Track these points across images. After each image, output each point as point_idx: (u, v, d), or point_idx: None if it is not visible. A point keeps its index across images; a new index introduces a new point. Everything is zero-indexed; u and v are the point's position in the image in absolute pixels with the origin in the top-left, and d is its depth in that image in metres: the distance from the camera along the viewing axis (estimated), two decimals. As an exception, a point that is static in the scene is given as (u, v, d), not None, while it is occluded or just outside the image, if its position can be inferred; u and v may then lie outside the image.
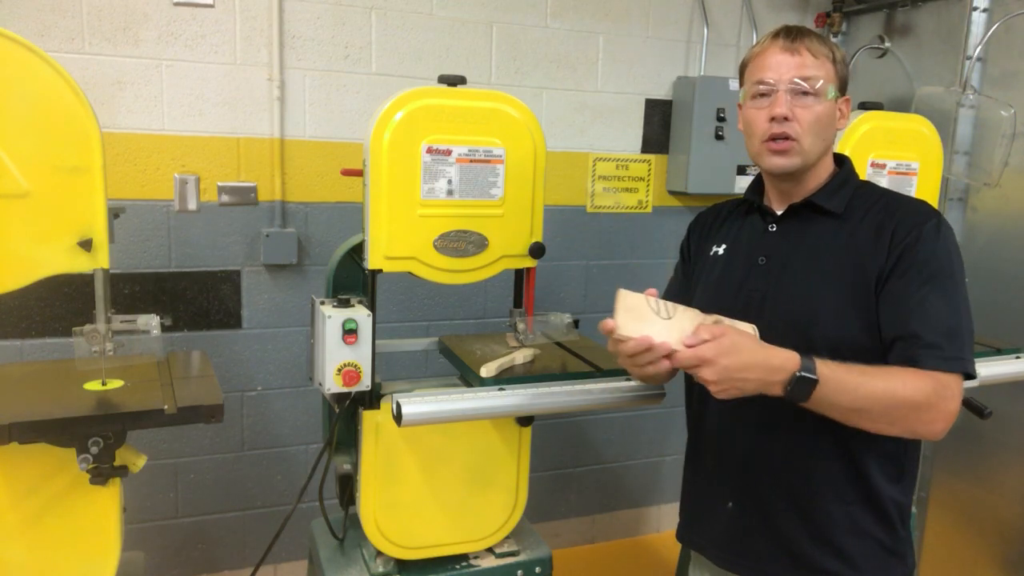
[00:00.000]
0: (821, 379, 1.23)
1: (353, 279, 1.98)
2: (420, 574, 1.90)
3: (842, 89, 1.43)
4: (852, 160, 1.84)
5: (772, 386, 1.25)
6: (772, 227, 1.49)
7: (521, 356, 1.88)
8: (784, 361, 1.24)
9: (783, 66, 1.38)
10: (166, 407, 1.53)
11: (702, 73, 3.14)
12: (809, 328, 1.37)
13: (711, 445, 1.54)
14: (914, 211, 1.37)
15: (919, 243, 1.32)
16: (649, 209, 3.23)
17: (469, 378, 1.84)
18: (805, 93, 1.37)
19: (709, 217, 1.65)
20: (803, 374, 1.23)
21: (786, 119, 1.37)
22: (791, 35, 1.40)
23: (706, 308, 1.35)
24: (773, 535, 1.44)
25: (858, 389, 1.25)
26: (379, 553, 1.90)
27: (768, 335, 1.30)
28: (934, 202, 2.23)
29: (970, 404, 1.98)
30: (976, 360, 2.07)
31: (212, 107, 2.56)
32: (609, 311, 1.34)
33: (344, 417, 1.84)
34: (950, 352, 1.28)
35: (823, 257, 1.41)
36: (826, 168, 1.46)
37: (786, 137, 1.38)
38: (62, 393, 1.63)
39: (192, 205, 2.58)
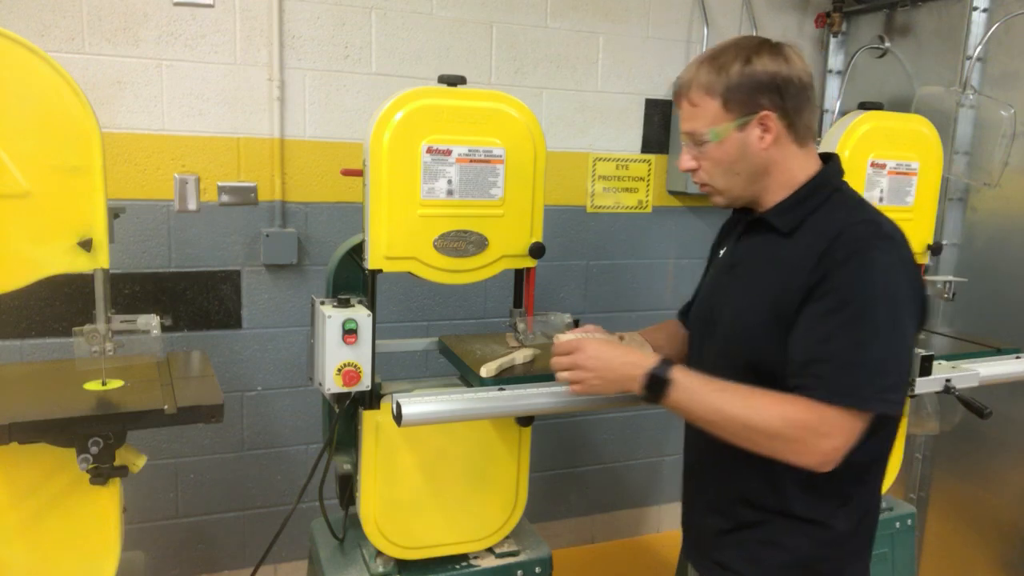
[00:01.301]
0: (674, 383, 1.32)
1: (353, 279, 1.98)
2: (420, 574, 1.90)
3: (748, 109, 1.33)
4: (853, 160, 1.82)
5: (632, 382, 1.36)
6: (741, 237, 1.49)
7: (521, 356, 1.88)
8: (642, 359, 1.37)
9: (679, 120, 1.44)
10: (166, 407, 1.53)
11: (702, 73, 3.14)
12: (738, 344, 1.39)
13: (687, 446, 1.59)
14: (854, 237, 1.28)
15: (841, 269, 1.25)
16: (649, 209, 3.23)
17: (469, 378, 1.84)
18: (700, 142, 1.39)
19: (733, 217, 1.63)
20: (655, 373, 1.33)
21: (695, 170, 1.43)
22: (677, 85, 1.43)
23: (693, 312, 1.55)
24: (709, 534, 1.48)
25: (711, 403, 1.30)
26: (379, 553, 1.90)
27: (715, 347, 1.44)
28: (934, 202, 2.22)
29: (970, 404, 1.98)
30: (976, 360, 2.11)
31: (212, 107, 2.56)
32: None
33: (344, 417, 1.84)
34: (840, 385, 1.23)
35: (763, 275, 1.39)
36: (783, 185, 1.39)
37: (703, 183, 1.44)
38: (62, 393, 1.63)
39: (192, 205, 2.58)
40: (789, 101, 1.34)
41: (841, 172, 1.45)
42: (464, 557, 1.96)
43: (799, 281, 1.29)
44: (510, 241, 1.86)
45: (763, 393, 1.28)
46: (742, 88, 1.33)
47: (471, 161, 1.77)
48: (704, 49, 3.11)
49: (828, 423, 1.23)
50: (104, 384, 1.66)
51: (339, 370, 1.68)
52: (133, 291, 2.57)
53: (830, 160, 1.45)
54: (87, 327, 1.60)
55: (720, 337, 1.45)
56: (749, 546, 1.41)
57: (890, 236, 1.29)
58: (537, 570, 1.97)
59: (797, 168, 1.39)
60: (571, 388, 1.44)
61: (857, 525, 1.39)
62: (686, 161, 1.43)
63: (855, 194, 1.44)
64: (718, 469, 1.45)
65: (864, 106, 2.13)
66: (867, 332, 1.23)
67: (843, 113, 3.05)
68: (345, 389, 1.70)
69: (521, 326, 1.96)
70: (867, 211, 1.36)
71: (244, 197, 2.64)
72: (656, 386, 1.34)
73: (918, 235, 2.21)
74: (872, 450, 1.35)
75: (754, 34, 3.21)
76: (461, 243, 1.80)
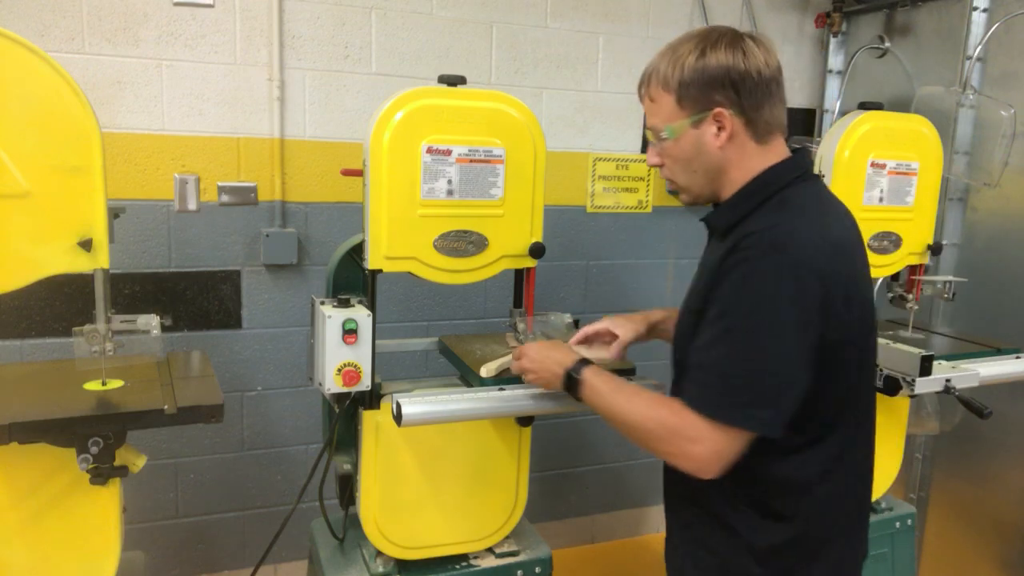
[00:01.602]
0: (583, 382, 1.42)
1: (353, 279, 1.98)
2: (420, 574, 1.90)
3: (701, 106, 1.31)
4: (853, 160, 1.77)
5: (557, 379, 1.48)
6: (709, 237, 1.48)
7: (521, 356, 1.88)
8: (564, 359, 1.48)
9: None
10: (166, 407, 1.53)
11: (702, 73, 3.14)
12: (677, 343, 1.42)
13: None
14: (747, 245, 1.24)
15: (727, 278, 1.24)
16: (649, 209, 3.23)
17: (469, 378, 1.84)
18: (660, 139, 1.38)
19: None
20: (570, 372, 1.44)
21: (660, 166, 1.42)
22: (640, 78, 1.40)
23: None
24: (669, 529, 1.53)
25: (608, 402, 1.38)
26: (379, 553, 1.90)
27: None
28: (934, 202, 2.22)
29: (970, 404, 1.98)
30: (976, 360, 2.11)
31: (212, 107, 2.56)
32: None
33: (344, 417, 1.84)
34: (705, 394, 1.24)
35: (698, 277, 1.40)
36: (735, 184, 1.36)
37: (667, 179, 1.43)
38: (62, 393, 1.63)
39: (192, 205, 2.58)
40: (745, 97, 1.29)
41: (799, 169, 1.36)
42: (464, 557, 1.96)
43: (706, 284, 1.29)
44: (510, 241, 1.86)
45: (648, 395, 1.34)
46: (695, 84, 1.30)
47: (471, 161, 1.77)
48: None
49: (694, 429, 1.23)
50: (104, 384, 1.66)
51: (339, 370, 1.68)
52: (133, 291, 2.57)
53: (795, 155, 1.38)
54: (87, 327, 1.60)
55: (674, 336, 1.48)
56: (689, 544, 1.43)
57: (780, 246, 1.22)
58: (537, 570, 1.97)
59: (756, 166, 1.34)
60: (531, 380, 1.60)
61: (784, 545, 1.33)
62: (651, 157, 1.42)
63: (805, 193, 1.34)
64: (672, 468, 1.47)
65: (864, 106, 2.13)
66: (737, 345, 1.22)
67: (843, 113, 3.06)
68: (345, 389, 1.70)
69: (521, 326, 1.96)
70: (786, 216, 1.28)
71: (244, 197, 2.64)
72: (571, 384, 1.44)
73: (918, 235, 2.21)
74: (800, 467, 1.31)
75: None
76: (461, 243, 1.80)
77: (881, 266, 2.18)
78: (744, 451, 1.25)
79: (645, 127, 1.43)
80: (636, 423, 1.31)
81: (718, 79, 1.29)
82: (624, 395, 1.36)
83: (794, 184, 1.33)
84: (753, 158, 1.34)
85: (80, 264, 1.56)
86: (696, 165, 1.35)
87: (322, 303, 1.76)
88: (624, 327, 1.74)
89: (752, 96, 1.30)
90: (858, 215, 2.09)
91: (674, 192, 1.48)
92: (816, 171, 2.10)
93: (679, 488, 1.45)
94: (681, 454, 1.25)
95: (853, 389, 1.34)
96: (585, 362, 1.45)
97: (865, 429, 1.42)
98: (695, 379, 1.27)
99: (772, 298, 1.20)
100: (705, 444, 1.22)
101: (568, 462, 3.33)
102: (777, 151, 1.36)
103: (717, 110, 1.30)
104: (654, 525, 3.54)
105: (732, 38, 1.31)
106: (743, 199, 1.34)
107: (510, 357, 1.85)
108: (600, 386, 1.40)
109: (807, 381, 1.23)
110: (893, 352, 1.99)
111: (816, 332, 1.22)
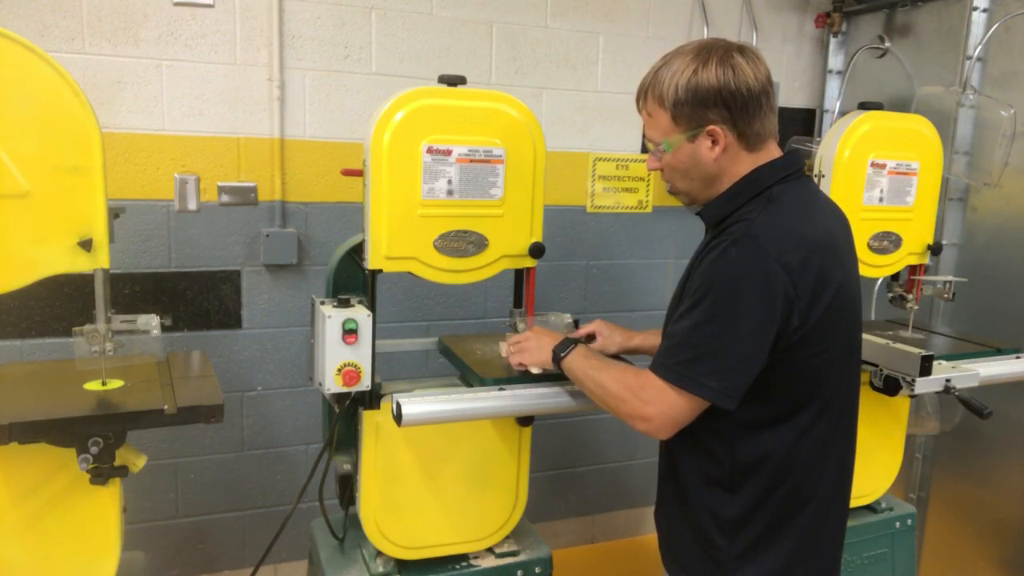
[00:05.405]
0: (565, 359, 1.59)
1: (353, 279, 1.98)
2: (420, 574, 1.90)
3: (695, 123, 1.39)
4: (853, 160, 1.78)
5: (548, 348, 1.65)
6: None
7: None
8: (553, 341, 1.65)
9: None
10: (166, 407, 1.53)
11: (702, 73, 3.14)
12: (664, 329, 1.49)
13: None
14: (730, 233, 1.34)
15: (703, 263, 1.36)
16: (649, 209, 3.23)
17: (469, 378, 1.84)
18: (658, 150, 1.47)
19: None
20: (555, 350, 1.62)
21: (660, 170, 1.50)
22: (637, 91, 1.50)
23: None
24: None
25: (584, 372, 1.53)
26: (379, 553, 1.90)
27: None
28: (934, 202, 2.23)
29: (970, 404, 1.98)
30: (976, 360, 2.11)
31: (212, 107, 2.56)
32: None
33: (344, 417, 1.84)
34: (663, 358, 1.36)
35: (688, 264, 1.48)
36: (728, 184, 1.44)
37: (670, 183, 1.52)
38: (62, 393, 1.63)
39: (192, 205, 2.58)
40: (736, 112, 1.37)
41: (787, 169, 1.43)
42: (464, 557, 1.96)
43: (690, 269, 1.43)
44: (510, 241, 1.86)
45: (621, 365, 1.52)
46: (688, 103, 1.38)
47: (471, 161, 1.77)
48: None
49: (649, 390, 1.36)
50: (104, 384, 1.66)
51: (339, 370, 1.68)
52: (133, 291, 2.57)
53: (784, 156, 1.45)
54: (87, 327, 1.60)
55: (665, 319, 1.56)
56: (665, 519, 1.62)
57: (753, 236, 1.31)
58: (537, 570, 1.97)
59: (747, 170, 1.43)
60: (512, 358, 1.78)
61: (747, 518, 1.42)
62: (651, 162, 1.51)
63: (791, 191, 1.41)
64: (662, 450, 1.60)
65: (864, 106, 2.13)
66: (701, 319, 1.32)
67: (843, 113, 3.06)
68: (345, 389, 1.70)
69: (521, 326, 1.96)
70: (769, 211, 1.36)
71: (244, 197, 2.64)
72: (555, 360, 1.62)
73: (918, 235, 2.21)
74: (763, 444, 1.39)
75: (754, 35, 3.22)
76: (461, 243, 1.81)
77: (881, 266, 2.18)
78: (700, 420, 1.37)
79: (644, 136, 1.51)
80: (603, 382, 1.47)
81: (710, 98, 1.37)
82: (602, 365, 1.52)
83: (781, 183, 1.41)
84: (745, 164, 1.43)
85: (80, 264, 1.56)
86: (693, 174, 1.45)
87: (322, 303, 1.76)
88: (608, 336, 1.88)
89: (743, 111, 1.37)
90: (858, 215, 2.11)
91: (674, 193, 1.53)
92: (816, 171, 2.11)
93: (661, 467, 1.60)
94: (636, 414, 1.38)
95: (823, 378, 1.39)
96: (575, 341, 1.63)
97: (845, 419, 1.47)
98: (663, 349, 1.38)
99: (739, 282, 1.30)
100: (655, 405, 1.35)
101: (568, 462, 3.33)
102: (767, 155, 1.44)
103: (710, 127, 1.39)
104: (654, 525, 3.53)
105: (723, 55, 1.37)
106: (733, 195, 1.43)
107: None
108: (582, 360, 1.57)
109: (763, 362, 1.32)
110: (893, 352, 1.99)
111: (778, 318, 1.30)
